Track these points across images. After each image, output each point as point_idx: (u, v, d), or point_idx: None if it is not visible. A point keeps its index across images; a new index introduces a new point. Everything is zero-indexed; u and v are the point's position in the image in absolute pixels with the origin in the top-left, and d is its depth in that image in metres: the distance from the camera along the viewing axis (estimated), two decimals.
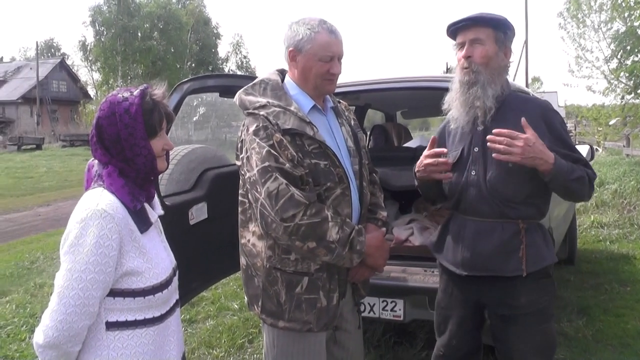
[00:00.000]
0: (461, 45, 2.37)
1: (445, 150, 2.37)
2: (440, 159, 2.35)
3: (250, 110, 2.25)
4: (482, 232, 2.34)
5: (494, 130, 2.18)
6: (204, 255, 3.40)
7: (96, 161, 1.81)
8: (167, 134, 1.89)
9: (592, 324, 4.53)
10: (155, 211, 1.90)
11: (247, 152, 2.21)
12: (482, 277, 2.35)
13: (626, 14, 13.35)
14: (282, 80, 2.37)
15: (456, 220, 2.48)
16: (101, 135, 1.75)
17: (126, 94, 1.76)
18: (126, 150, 1.74)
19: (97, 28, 44.98)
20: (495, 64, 2.32)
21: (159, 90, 1.82)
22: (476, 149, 2.36)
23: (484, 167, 2.32)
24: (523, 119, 2.17)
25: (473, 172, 2.35)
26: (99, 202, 1.67)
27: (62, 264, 1.65)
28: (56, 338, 1.61)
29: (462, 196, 2.39)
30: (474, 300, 2.45)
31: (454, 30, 2.40)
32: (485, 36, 2.31)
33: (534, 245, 2.29)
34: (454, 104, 2.40)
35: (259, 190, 2.14)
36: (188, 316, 4.99)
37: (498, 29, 2.33)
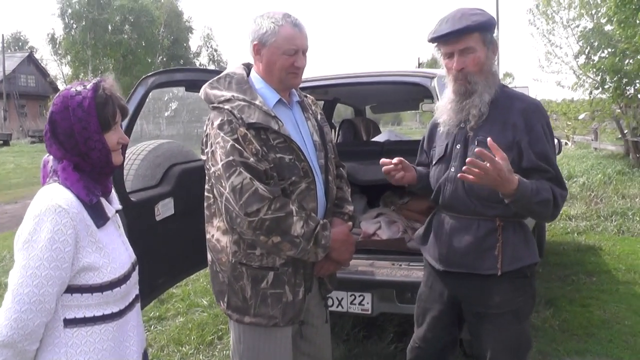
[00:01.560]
0: (449, 55, 2.29)
1: (392, 161, 2.42)
2: (389, 167, 2.42)
3: (215, 104, 2.24)
4: (458, 228, 2.34)
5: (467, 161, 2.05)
6: (171, 251, 3.37)
7: (51, 157, 1.78)
8: (123, 127, 1.87)
9: (559, 314, 4.61)
10: (112, 206, 1.87)
11: (211, 146, 2.19)
12: (458, 273, 2.35)
13: (593, 11, 13.60)
14: (248, 74, 2.35)
15: (437, 215, 2.49)
16: (55, 130, 1.72)
17: (79, 88, 1.73)
18: (80, 145, 1.71)
19: (67, 21, 44.20)
20: (488, 67, 2.28)
21: (108, 82, 1.79)
22: (458, 146, 2.34)
23: (463, 164, 2.29)
24: (489, 140, 2.03)
25: (452, 169, 2.34)
26: (53, 197, 1.64)
27: (16, 261, 1.62)
28: (10, 337, 1.58)
29: (441, 191, 2.39)
30: (451, 296, 2.45)
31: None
32: (475, 42, 2.23)
33: (511, 244, 2.26)
34: (445, 110, 2.37)
35: (223, 184, 2.12)
36: (157, 313, 4.94)
37: (484, 31, 2.25)
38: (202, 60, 54.85)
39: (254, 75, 2.34)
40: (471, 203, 2.28)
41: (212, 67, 51.96)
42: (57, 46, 46.45)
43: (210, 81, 2.34)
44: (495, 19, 2.35)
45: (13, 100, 46.55)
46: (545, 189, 2.15)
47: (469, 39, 2.23)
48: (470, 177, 2.01)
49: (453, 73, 2.29)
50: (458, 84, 2.30)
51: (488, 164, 1.97)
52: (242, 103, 2.20)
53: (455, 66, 2.27)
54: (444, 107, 2.39)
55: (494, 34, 2.31)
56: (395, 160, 2.44)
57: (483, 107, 2.26)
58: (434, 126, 2.55)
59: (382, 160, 2.46)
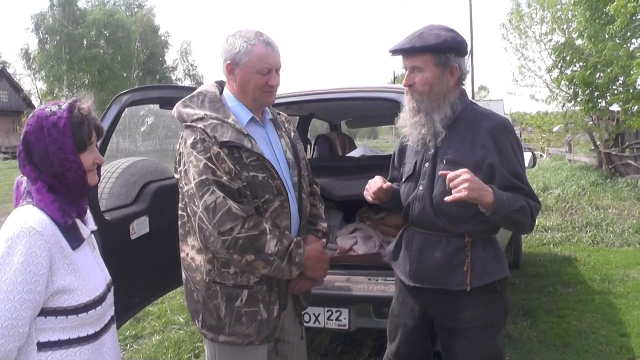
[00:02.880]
0: (405, 69, 2.34)
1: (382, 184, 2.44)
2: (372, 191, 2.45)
3: (188, 123, 2.24)
4: (427, 244, 2.36)
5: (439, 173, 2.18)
6: (146, 270, 3.34)
7: (25, 177, 1.76)
8: (97, 147, 1.86)
9: (536, 325, 4.68)
10: (87, 226, 1.85)
11: (184, 165, 2.19)
12: (428, 289, 2.36)
13: (565, 26, 13.89)
14: (221, 92, 2.35)
15: (408, 231, 2.50)
16: (29, 151, 1.71)
17: (54, 108, 1.73)
18: (55, 166, 1.70)
19: (41, 35, 43.77)
20: (439, 89, 2.28)
21: (86, 103, 1.78)
22: (426, 165, 2.37)
23: (432, 183, 2.33)
24: (440, 172, 2.18)
25: (421, 187, 2.36)
26: (27, 219, 1.63)
27: None
28: None
29: (410, 208, 2.41)
30: (422, 311, 2.46)
31: None
32: (423, 63, 2.26)
33: (480, 260, 2.28)
34: (407, 123, 2.39)
35: (196, 203, 2.12)
36: (134, 332, 4.89)
37: (437, 53, 2.25)
38: (178, 75, 54.64)
39: (227, 94, 2.34)
40: (440, 220, 2.31)
41: (187, 81, 51.85)
42: (30, 61, 45.91)
43: (183, 99, 2.33)
44: (465, 40, 2.36)
45: None
46: (521, 198, 2.19)
47: (416, 58, 2.28)
48: (460, 194, 2.05)
49: (405, 88, 2.37)
50: (408, 99, 2.36)
51: (462, 176, 2.04)
52: (215, 121, 2.20)
53: (404, 82, 2.34)
54: (403, 118, 2.43)
55: (457, 56, 2.30)
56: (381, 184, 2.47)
57: (436, 126, 2.29)
58: (404, 143, 2.56)
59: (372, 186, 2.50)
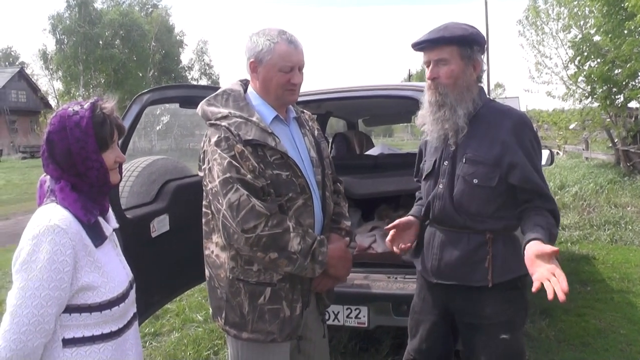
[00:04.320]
0: (428, 64, 2.33)
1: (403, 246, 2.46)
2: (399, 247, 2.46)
3: (212, 121, 2.24)
4: (449, 241, 2.36)
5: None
6: (166, 267, 3.36)
7: (48, 176, 1.78)
8: (119, 146, 1.87)
9: (555, 324, 4.63)
10: (110, 224, 1.87)
11: (209, 163, 2.20)
12: (449, 285, 2.36)
13: (582, 22, 13.78)
14: (245, 91, 2.36)
15: (429, 228, 2.50)
16: (52, 150, 1.73)
17: (76, 108, 1.74)
18: (78, 165, 1.71)
19: (58, 36, 44.23)
20: (463, 82, 2.28)
21: (109, 103, 1.80)
22: (445, 163, 2.36)
23: (451, 181, 2.33)
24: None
25: (441, 186, 2.36)
26: (52, 217, 1.64)
27: (14, 282, 1.62)
28: (10, 358, 1.57)
29: (431, 206, 2.41)
30: (443, 307, 2.46)
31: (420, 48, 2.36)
32: (450, 55, 2.26)
33: (501, 257, 2.27)
34: (427, 120, 2.39)
35: (220, 201, 2.13)
36: (152, 329, 4.91)
37: (463, 45, 2.26)
38: (194, 75, 54.95)
39: (251, 92, 2.35)
40: (460, 218, 2.30)
41: (203, 80, 52.12)
42: (48, 61, 46.38)
43: (207, 98, 2.34)
44: (485, 35, 2.36)
45: (4, 116, 46.38)
46: (550, 223, 2.14)
47: (443, 50, 2.27)
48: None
49: (427, 82, 2.35)
50: (430, 93, 2.34)
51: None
52: (239, 120, 2.21)
53: (428, 75, 2.33)
54: (423, 115, 2.42)
55: (480, 50, 2.31)
56: (391, 225, 2.48)
57: (459, 121, 2.27)
58: (424, 142, 2.57)
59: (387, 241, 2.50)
